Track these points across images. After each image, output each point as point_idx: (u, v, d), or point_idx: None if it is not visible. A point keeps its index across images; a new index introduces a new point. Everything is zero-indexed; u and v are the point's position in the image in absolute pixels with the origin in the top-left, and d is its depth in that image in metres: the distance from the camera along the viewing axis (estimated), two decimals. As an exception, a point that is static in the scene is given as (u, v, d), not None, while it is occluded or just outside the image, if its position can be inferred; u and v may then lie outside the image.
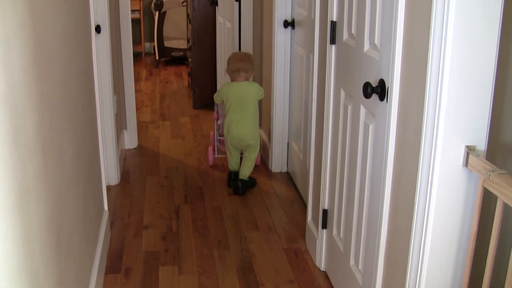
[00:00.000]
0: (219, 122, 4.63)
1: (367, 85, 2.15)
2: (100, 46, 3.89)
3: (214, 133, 4.76)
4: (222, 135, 4.50)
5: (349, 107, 2.59)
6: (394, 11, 2.01)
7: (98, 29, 3.82)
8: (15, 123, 1.52)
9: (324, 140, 2.99)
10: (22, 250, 1.54)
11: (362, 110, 2.42)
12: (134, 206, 3.92)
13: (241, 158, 4.32)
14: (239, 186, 4.11)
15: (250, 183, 4.22)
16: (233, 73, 4.12)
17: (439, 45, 1.72)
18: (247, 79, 4.14)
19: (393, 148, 2.13)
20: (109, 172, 4.20)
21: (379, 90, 2.15)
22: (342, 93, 2.69)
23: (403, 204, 2.05)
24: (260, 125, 4.92)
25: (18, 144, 1.54)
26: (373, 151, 2.33)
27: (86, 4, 3.04)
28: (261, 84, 4.79)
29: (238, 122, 4.10)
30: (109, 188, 4.15)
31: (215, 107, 4.59)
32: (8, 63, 1.47)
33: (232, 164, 4.31)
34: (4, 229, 1.40)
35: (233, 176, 4.26)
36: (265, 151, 4.72)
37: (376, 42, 2.23)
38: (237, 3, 4.90)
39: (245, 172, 4.20)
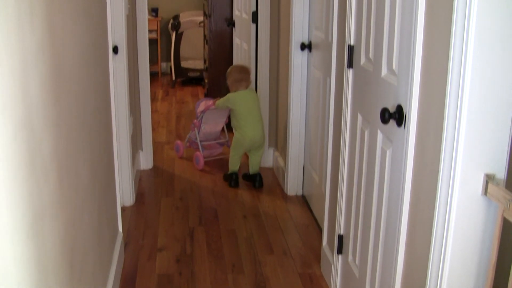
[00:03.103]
0: (202, 129, 5.09)
1: (384, 110, 2.14)
2: (117, 66, 3.90)
3: (195, 139, 5.15)
4: (203, 140, 5.17)
5: (366, 132, 2.57)
6: (413, 37, 2.00)
7: (115, 49, 3.84)
8: (32, 146, 1.51)
9: (340, 165, 2.97)
10: (36, 272, 1.53)
11: (379, 136, 2.40)
12: (149, 227, 3.91)
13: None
14: (257, 180, 4.64)
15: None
16: (237, 83, 4.62)
17: (458, 71, 1.70)
18: (247, 88, 4.64)
19: (411, 175, 2.10)
20: (124, 193, 4.20)
21: (397, 116, 2.13)
22: (359, 117, 2.67)
23: (421, 232, 2.02)
24: (276, 146, 4.91)
25: (34, 167, 1.53)
26: (390, 177, 2.31)
27: (104, 25, 3.06)
28: (277, 107, 4.80)
29: (251, 126, 4.58)
30: (124, 209, 4.14)
31: (201, 115, 5.01)
32: (25, 84, 1.46)
33: (235, 166, 4.72)
34: (19, 252, 1.39)
35: (234, 177, 4.67)
36: (280, 173, 4.70)
37: (394, 67, 2.21)
38: (254, 24, 4.91)
39: (257, 167, 4.72)
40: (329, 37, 3.53)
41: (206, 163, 5.17)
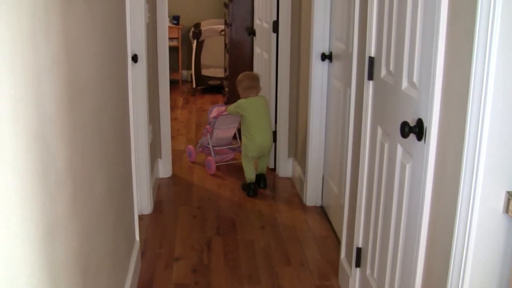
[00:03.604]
0: (214, 134, 5.18)
1: (404, 124, 2.10)
2: (137, 75, 3.90)
3: (207, 144, 5.25)
4: (215, 145, 5.28)
5: (386, 145, 2.53)
6: (434, 49, 1.96)
7: (135, 58, 3.84)
8: (45, 159, 1.50)
9: (359, 177, 2.94)
10: (48, 282, 1.52)
11: (399, 149, 2.36)
12: (166, 236, 3.90)
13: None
14: (262, 180, 4.80)
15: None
16: (247, 90, 4.72)
17: (480, 84, 1.66)
18: (257, 94, 4.74)
19: (430, 190, 2.07)
20: (142, 201, 4.19)
21: (417, 130, 2.09)
22: (379, 130, 2.64)
23: (440, 248, 1.98)
24: (295, 156, 4.88)
25: (47, 180, 1.52)
26: (409, 192, 2.27)
27: (123, 34, 3.05)
28: (297, 117, 4.77)
29: (261, 132, 4.68)
30: (141, 217, 4.13)
31: (213, 121, 5.11)
32: (39, 98, 1.45)
33: (252, 175, 4.75)
34: (30, 265, 1.38)
35: (253, 186, 4.68)
36: (299, 184, 4.66)
37: (414, 80, 2.18)
38: (275, 34, 4.89)
39: (264, 168, 4.87)
40: (350, 48, 3.50)
41: (217, 168, 5.26)
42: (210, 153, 5.25)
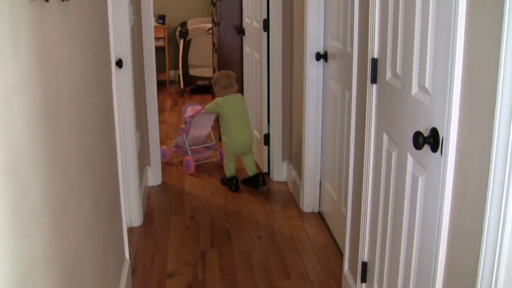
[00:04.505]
0: (190, 133, 5.21)
1: (418, 135, 1.90)
2: (122, 81, 3.70)
3: (182, 144, 5.27)
4: (191, 145, 5.28)
5: (394, 154, 2.34)
6: (451, 48, 1.76)
7: (119, 63, 3.63)
8: (18, 191, 1.30)
9: (363, 186, 2.74)
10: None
11: (410, 160, 2.17)
12: (158, 250, 3.69)
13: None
14: (260, 180, 4.70)
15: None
16: (225, 89, 4.73)
17: (510, 88, 1.46)
18: (235, 92, 4.75)
19: (449, 205, 1.87)
20: (132, 213, 3.99)
21: (432, 141, 1.90)
22: (385, 137, 2.44)
23: (463, 269, 1.79)
24: (290, 160, 4.69)
25: (21, 214, 1.33)
26: (423, 206, 2.08)
27: (106, 40, 2.84)
28: (291, 119, 4.59)
29: (240, 130, 4.69)
30: (131, 230, 3.93)
31: (189, 120, 5.14)
32: (8, 125, 1.25)
33: (232, 170, 4.79)
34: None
35: (234, 181, 4.72)
36: (295, 189, 4.47)
37: (426, 84, 1.99)
38: (266, 33, 4.69)
39: (254, 167, 4.80)
40: (347, 47, 3.31)
41: (196, 167, 5.21)
42: (185, 153, 5.27)
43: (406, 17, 2.16)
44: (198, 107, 5.28)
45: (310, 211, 4.23)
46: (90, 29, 2.35)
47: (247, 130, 4.73)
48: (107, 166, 2.71)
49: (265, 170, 5.02)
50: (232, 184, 4.71)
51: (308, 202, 4.22)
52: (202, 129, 5.30)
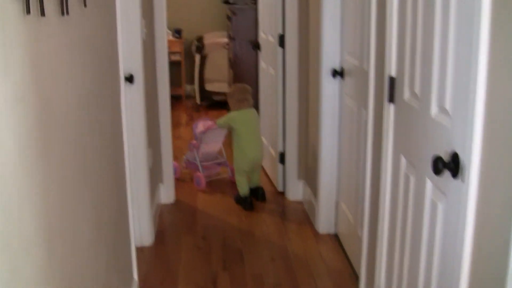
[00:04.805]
0: (201, 149, 5.12)
1: (437, 160, 1.79)
2: (133, 97, 3.61)
3: (193, 160, 5.17)
4: (202, 161, 5.16)
5: (412, 178, 2.22)
6: (473, 67, 1.64)
7: (131, 79, 3.54)
8: (4, 227, 1.20)
9: (380, 211, 2.62)
10: None
11: (429, 185, 2.04)
12: (168, 272, 3.58)
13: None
14: (260, 194, 4.71)
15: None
16: (240, 103, 4.64)
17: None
18: (249, 107, 4.67)
19: (471, 236, 1.74)
20: (142, 232, 3.88)
21: (452, 166, 1.78)
22: (403, 160, 2.32)
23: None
24: (305, 179, 4.57)
25: (9, 251, 1.23)
26: (443, 234, 1.95)
27: (114, 56, 2.75)
28: (306, 137, 4.47)
29: (253, 146, 4.63)
30: (142, 249, 3.83)
31: (200, 136, 5.08)
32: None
33: (245, 187, 4.67)
34: None
35: (249, 200, 4.61)
36: (310, 209, 4.35)
37: (446, 105, 1.87)
38: (281, 48, 4.59)
39: (258, 180, 4.79)
40: (364, 64, 3.19)
41: (207, 183, 5.13)
42: (196, 169, 5.17)
43: (425, 33, 2.04)
44: (209, 123, 5.21)
45: (326, 232, 4.09)
46: (95, 44, 2.26)
47: (259, 146, 4.68)
48: (113, 185, 2.61)
49: (280, 189, 4.90)
50: (246, 203, 4.60)
51: (324, 223, 4.09)
52: (213, 144, 5.24)
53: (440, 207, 1.95)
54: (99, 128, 2.30)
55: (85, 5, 1.97)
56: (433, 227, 2.02)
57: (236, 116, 4.65)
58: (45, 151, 1.52)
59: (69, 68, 1.82)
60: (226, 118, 4.75)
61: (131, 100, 3.60)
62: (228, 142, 5.25)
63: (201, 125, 5.25)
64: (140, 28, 3.58)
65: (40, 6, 1.46)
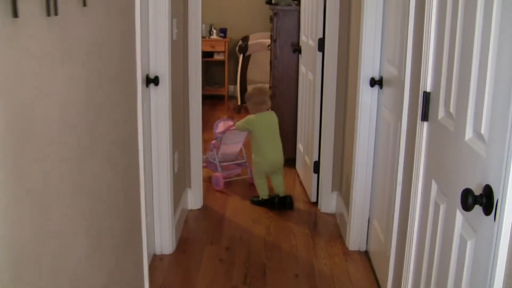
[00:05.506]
0: (221, 149, 5.08)
1: (467, 193, 1.56)
2: (158, 99, 3.45)
3: (213, 160, 5.12)
4: (222, 161, 5.13)
5: (442, 207, 1.99)
6: None
7: (156, 80, 3.38)
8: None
9: (408, 235, 2.40)
10: None
11: (459, 218, 1.82)
12: (184, 283, 3.40)
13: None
14: (288, 202, 4.56)
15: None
16: (259, 105, 4.60)
17: None
18: (268, 109, 4.66)
19: (502, 279, 1.52)
20: (163, 240, 3.72)
21: (484, 201, 1.55)
22: (434, 185, 2.09)
23: None
24: (340, 191, 4.34)
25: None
26: (471, 273, 1.73)
27: (130, 58, 2.58)
28: (343, 148, 4.25)
29: (272, 148, 4.58)
30: (161, 257, 3.67)
31: (220, 136, 5.03)
32: None
33: (266, 190, 4.63)
34: None
35: (277, 199, 4.56)
36: (342, 224, 4.12)
37: (482, 130, 1.64)
38: (320, 53, 4.37)
39: (283, 187, 4.66)
40: (402, 74, 2.96)
41: (225, 184, 5.05)
42: (216, 169, 5.12)
43: (464, 49, 1.82)
44: (230, 123, 5.16)
45: (356, 249, 3.87)
46: (101, 46, 2.08)
47: (278, 149, 4.61)
48: (120, 193, 2.44)
49: (313, 199, 4.68)
50: (274, 203, 4.55)
51: (355, 239, 3.86)
52: (233, 145, 5.17)
53: (470, 245, 1.72)
54: (100, 133, 2.12)
55: (84, 5, 1.79)
56: (461, 263, 1.80)
57: (254, 120, 4.60)
58: (26, 162, 1.35)
59: (59, 74, 1.64)
60: (245, 121, 4.67)
61: (156, 102, 3.44)
62: (249, 142, 5.03)
63: (221, 125, 5.20)
64: (168, 29, 3.41)
65: (12, 7, 1.28)
